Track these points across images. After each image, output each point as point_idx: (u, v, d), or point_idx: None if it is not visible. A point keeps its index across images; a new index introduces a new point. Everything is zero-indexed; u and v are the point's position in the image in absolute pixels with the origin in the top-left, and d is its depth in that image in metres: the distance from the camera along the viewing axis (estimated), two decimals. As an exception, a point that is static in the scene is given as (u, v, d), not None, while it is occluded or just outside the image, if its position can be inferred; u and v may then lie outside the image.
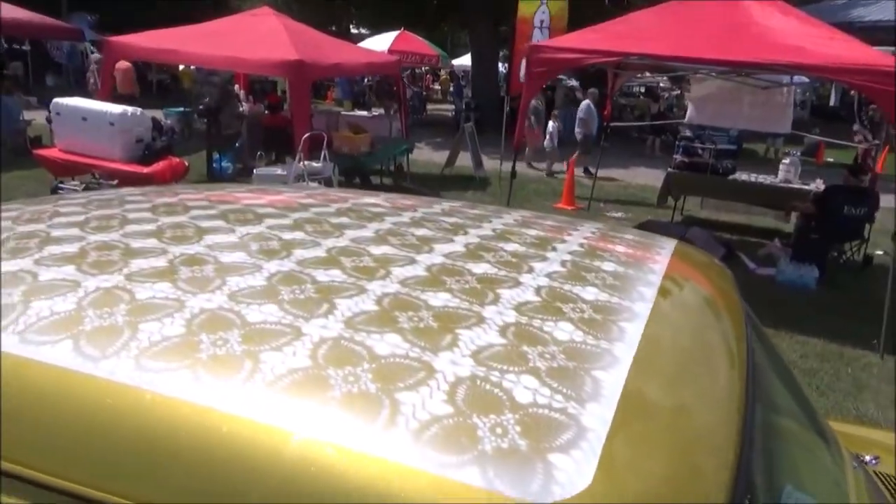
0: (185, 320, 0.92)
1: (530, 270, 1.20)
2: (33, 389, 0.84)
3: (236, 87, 10.58)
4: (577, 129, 12.75)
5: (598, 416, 0.78)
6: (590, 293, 1.12)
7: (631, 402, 0.82)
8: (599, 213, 9.81)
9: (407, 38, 18.52)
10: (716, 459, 0.83)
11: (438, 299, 1.03)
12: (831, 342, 5.55)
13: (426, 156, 13.66)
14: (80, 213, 1.45)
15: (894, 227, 5.41)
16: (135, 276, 1.06)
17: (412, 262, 1.19)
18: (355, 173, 9.92)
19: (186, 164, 7.87)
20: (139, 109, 7.46)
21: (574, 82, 21.34)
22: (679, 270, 1.38)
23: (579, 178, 11.26)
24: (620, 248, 1.46)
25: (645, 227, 8.53)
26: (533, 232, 1.51)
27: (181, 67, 15.66)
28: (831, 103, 24.38)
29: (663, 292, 1.19)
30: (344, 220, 1.48)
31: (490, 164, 11.81)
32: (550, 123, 12.65)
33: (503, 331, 0.94)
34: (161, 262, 1.12)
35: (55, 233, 1.28)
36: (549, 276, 1.18)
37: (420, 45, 18.91)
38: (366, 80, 21.77)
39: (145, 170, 7.28)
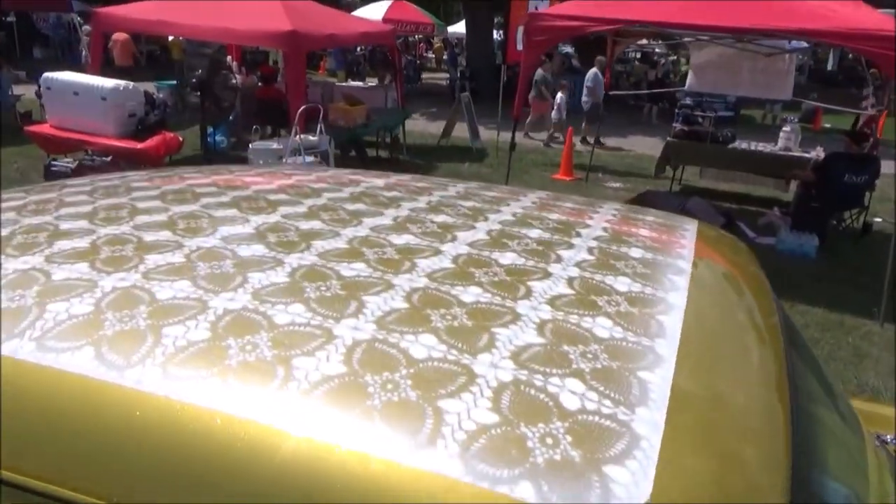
0: (209, 323, 0.88)
1: (558, 259, 1.17)
2: (55, 401, 0.81)
3: (228, 58, 10.38)
4: (584, 99, 12.47)
5: (649, 422, 0.75)
6: (622, 284, 1.08)
7: (680, 404, 0.79)
8: (598, 183, 9.76)
9: (401, 6, 18.19)
10: (770, 455, 0.80)
11: (469, 294, 1.00)
12: (832, 311, 5.56)
13: (422, 126, 13.52)
14: (86, 202, 1.40)
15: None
16: (152, 274, 1.01)
17: (437, 252, 1.16)
18: (351, 146, 9.81)
19: (181, 138, 7.76)
20: (131, 83, 7.32)
21: (569, 49, 21.06)
22: (706, 254, 1.35)
23: (578, 148, 11.17)
24: (645, 232, 1.42)
25: (644, 197, 8.48)
26: (554, 216, 1.47)
27: (170, 38, 15.37)
28: (829, 67, 24.20)
29: (695, 280, 1.16)
30: (360, 206, 1.43)
31: (486, 134, 11.70)
32: (559, 94, 12.41)
33: (541, 328, 0.91)
34: (178, 258, 1.08)
35: (64, 225, 1.23)
36: (578, 265, 1.15)
37: (415, 13, 18.60)
38: (358, 49, 21.46)
39: (139, 145, 7.17)
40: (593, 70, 12.66)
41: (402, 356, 0.83)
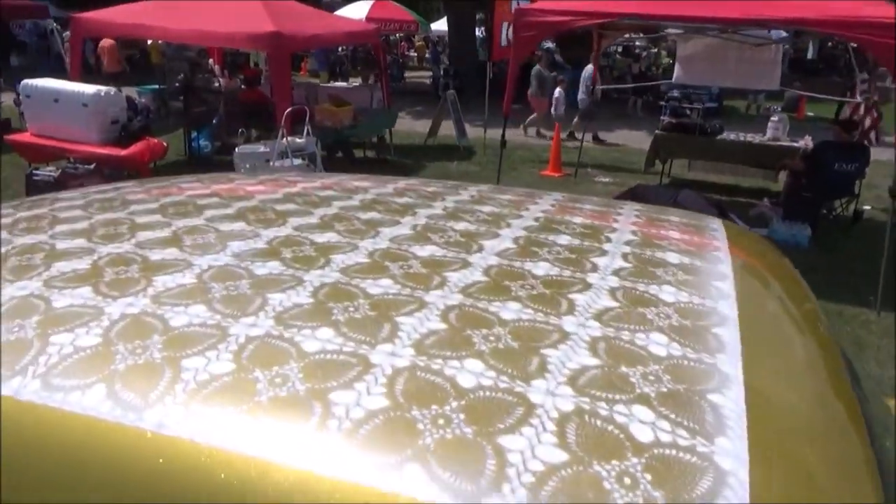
0: (232, 353, 0.80)
1: (594, 268, 1.10)
2: (65, 447, 0.72)
3: (210, 61, 10.22)
4: (580, 95, 12.31)
5: (732, 455, 0.68)
6: (667, 293, 1.02)
7: (760, 431, 0.72)
8: (587, 178, 9.71)
9: (384, 5, 18.04)
10: (857, 469, 0.74)
11: (510, 311, 0.92)
12: (829, 301, 5.55)
13: (407, 125, 13.41)
14: (82, 217, 1.31)
15: (893, 182, 5.36)
16: (163, 298, 0.93)
17: (465, 264, 1.08)
18: (338, 147, 9.70)
19: (165, 144, 7.62)
20: (113, 89, 7.17)
21: (551, 44, 21.00)
22: (741, 256, 1.29)
23: (566, 144, 11.12)
24: (675, 235, 1.35)
25: (635, 191, 8.44)
26: (577, 219, 1.40)
27: (149, 42, 15.15)
28: (809, 56, 24.32)
29: (739, 286, 1.09)
30: (374, 215, 1.35)
31: (472, 131, 11.62)
32: (557, 90, 12.25)
33: (593, 348, 0.84)
34: (189, 279, 1.00)
35: (60, 245, 1.15)
36: (616, 274, 1.08)
37: (398, 11, 18.45)
38: (339, 49, 21.28)
39: (123, 152, 7.03)
40: (589, 67, 12.51)
41: (449, 386, 0.75)
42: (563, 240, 1.24)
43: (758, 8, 5.39)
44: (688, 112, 8.97)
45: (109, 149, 7.06)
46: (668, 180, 9.70)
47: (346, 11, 17.05)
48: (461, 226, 1.30)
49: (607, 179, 9.68)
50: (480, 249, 1.16)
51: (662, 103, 9.91)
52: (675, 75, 8.98)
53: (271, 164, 7.36)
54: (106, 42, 12.92)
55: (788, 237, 6.94)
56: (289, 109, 7.22)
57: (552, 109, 12.22)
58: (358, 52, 21.93)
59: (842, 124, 7.60)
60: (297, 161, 7.51)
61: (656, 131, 9.26)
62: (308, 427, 0.69)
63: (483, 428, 0.69)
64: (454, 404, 0.72)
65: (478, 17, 21.30)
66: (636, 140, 12.37)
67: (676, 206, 7.57)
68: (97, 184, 6.30)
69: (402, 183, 1.73)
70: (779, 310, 1.15)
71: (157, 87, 10.88)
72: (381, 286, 0.98)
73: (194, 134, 9.38)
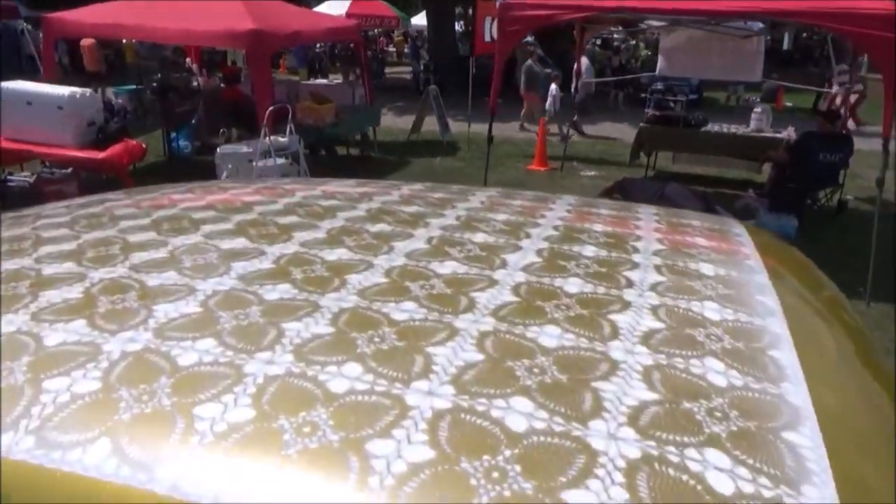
0: (250, 397, 0.72)
1: (630, 284, 1.02)
2: None
3: (188, 60, 10.01)
4: (575, 89, 12.16)
5: None
6: (712, 311, 0.95)
7: (846, 477, 0.65)
8: (573, 172, 9.68)
9: (363, 1, 17.88)
10: None
11: (549, 337, 0.85)
12: (819, 292, 5.54)
13: (389, 121, 13.28)
14: (69, 237, 1.22)
15: (880, 171, 5.36)
16: (167, 332, 0.84)
17: (492, 282, 1.00)
18: (321, 146, 9.56)
19: (144, 146, 7.44)
20: (89, 90, 6.98)
21: (530, 38, 20.89)
22: (773, 263, 1.22)
23: (551, 139, 11.06)
24: (702, 242, 1.29)
25: (622, 184, 8.41)
26: (598, 227, 1.33)
27: (124, 41, 14.85)
28: (784, 47, 24.51)
29: (782, 299, 1.02)
30: (383, 227, 1.27)
31: (455, 126, 11.52)
32: (553, 86, 12.11)
33: (647, 379, 0.76)
34: (192, 307, 0.91)
35: (47, 270, 1.05)
36: (654, 289, 1.01)
37: (378, 6, 18.28)
38: (318, 46, 21.04)
39: (100, 155, 6.84)
40: (584, 60, 12.39)
41: (498, 431, 0.67)
42: (589, 251, 1.16)
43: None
44: (671, 104, 8.94)
45: (86, 152, 6.87)
46: (652, 173, 9.70)
47: (325, 8, 16.87)
48: (479, 237, 1.22)
49: (593, 173, 9.64)
50: (504, 265, 1.08)
51: (645, 96, 9.88)
52: (658, 67, 8.96)
53: (254, 164, 7.22)
54: (86, 41, 12.65)
55: (775, 228, 6.92)
56: (271, 108, 7.07)
57: (548, 105, 12.08)
58: (336, 48, 21.71)
59: (824, 115, 7.63)
60: (281, 160, 7.37)
61: (641, 124, 9.24)
62: (347, 486, 0.61)
63: (543, 483, 0.61)
64: (507, 453, 0.64)
65: (457, 11, 21.18)
66: (619, 132, 12.35)
67: (663, 199, 7.49)
68: (75, 189, 6.08)
69: (407, 189, 1.64)
70: (825, 324, 1.09)
71: (133, 87, 10.65)
72: (405, 311, 0.90)
73: (173, 134, 9.19)
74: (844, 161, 7.21)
